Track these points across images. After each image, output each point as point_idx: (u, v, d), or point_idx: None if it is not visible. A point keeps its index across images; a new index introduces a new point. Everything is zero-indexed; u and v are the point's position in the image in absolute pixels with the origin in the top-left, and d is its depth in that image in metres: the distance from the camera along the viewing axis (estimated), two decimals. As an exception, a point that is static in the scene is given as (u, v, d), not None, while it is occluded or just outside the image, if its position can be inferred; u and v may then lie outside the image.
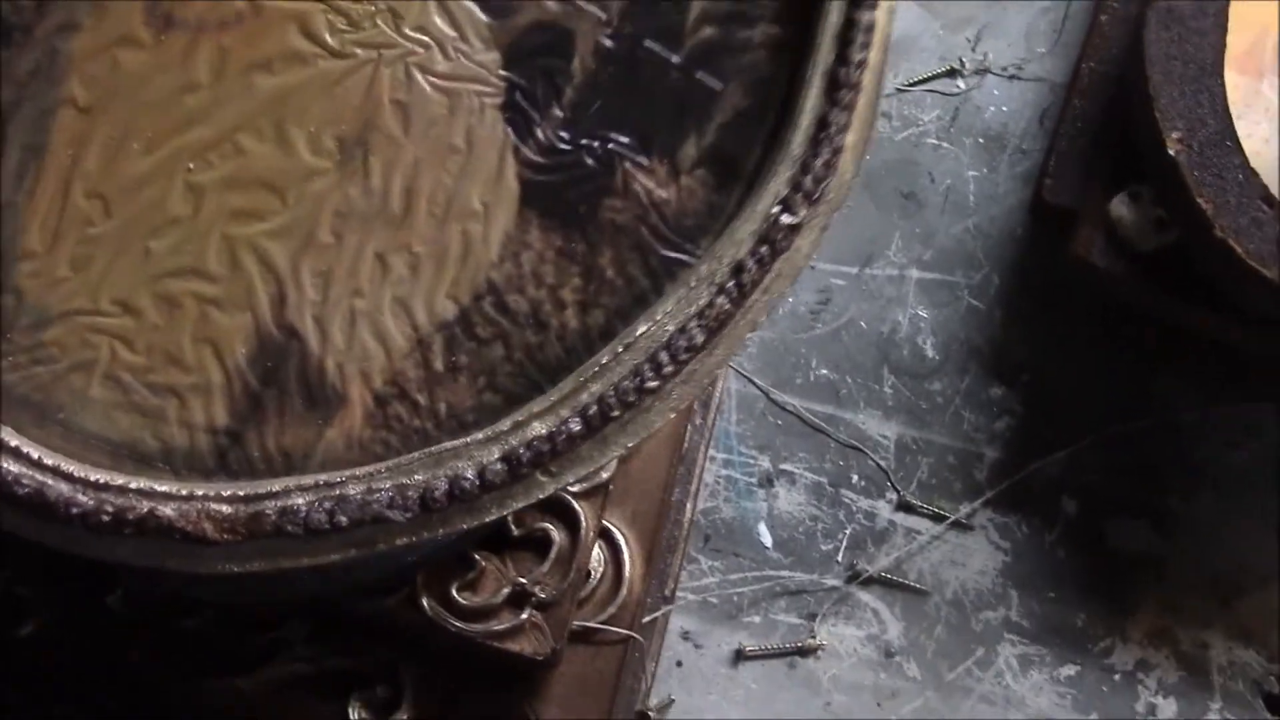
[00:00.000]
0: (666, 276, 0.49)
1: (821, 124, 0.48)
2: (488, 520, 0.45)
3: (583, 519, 0.63)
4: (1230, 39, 0.74)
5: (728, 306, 0.47)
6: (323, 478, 0.45)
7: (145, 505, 0.44)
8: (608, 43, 0.50)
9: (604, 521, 0.65)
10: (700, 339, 0.46)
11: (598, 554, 0.65)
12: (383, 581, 0.60)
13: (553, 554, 0.62)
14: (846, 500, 0.81)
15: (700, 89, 0.50)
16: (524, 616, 0.61)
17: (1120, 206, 0.74)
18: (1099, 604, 0.78)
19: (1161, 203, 0.73)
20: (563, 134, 0.50)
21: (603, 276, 0.49)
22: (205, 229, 0.48)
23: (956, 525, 0.80)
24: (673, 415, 0.47)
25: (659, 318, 0.46)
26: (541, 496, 0.45)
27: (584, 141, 0.50)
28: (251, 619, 0.64)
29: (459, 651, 0.62)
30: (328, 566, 0.46)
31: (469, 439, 0.45)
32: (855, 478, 0.82)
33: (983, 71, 0.92)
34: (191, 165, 0.49)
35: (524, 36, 0.49)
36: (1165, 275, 0.75)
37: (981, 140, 0.90)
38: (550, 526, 0.63)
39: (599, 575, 0.66)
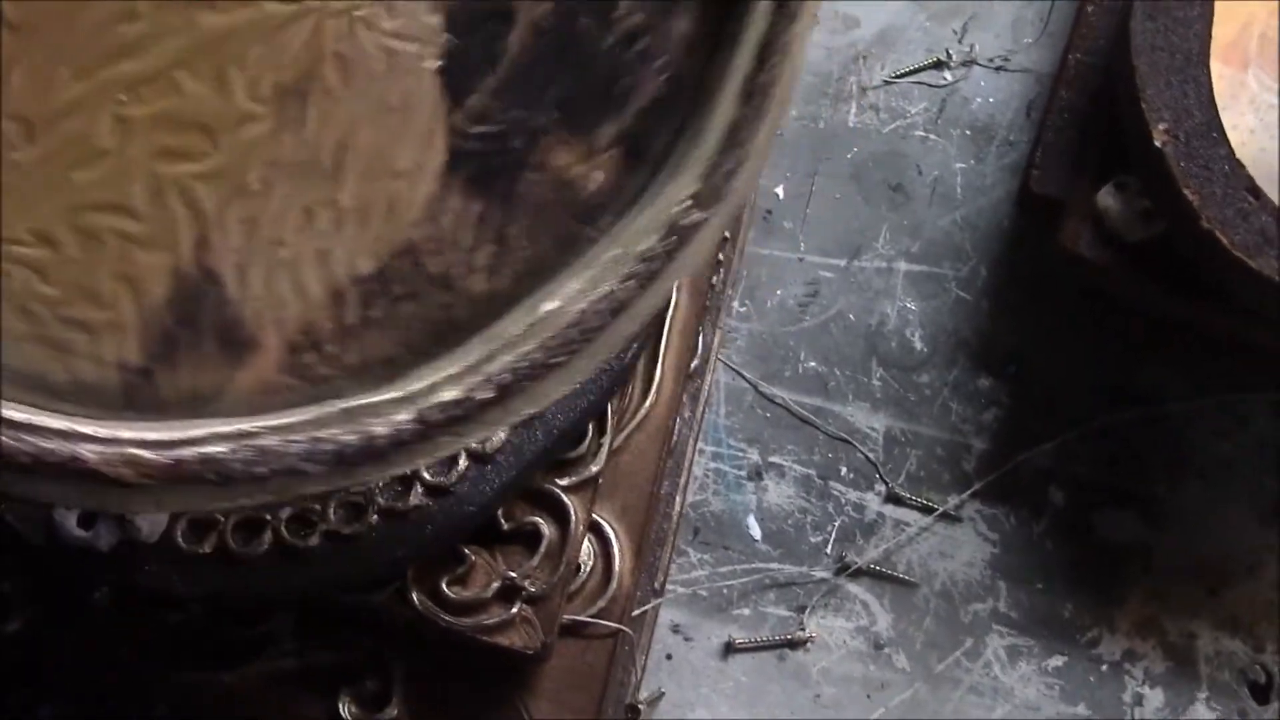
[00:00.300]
0: (571, 251, 0.50)
1: (734, 128, 0.49)
2: (393, 473, 0.47)
3: (572, 512, 0.63)
4: (1215, 30, 0.74)
5: (634, 290, 0.48)
6: (242, 425, 0.45)
7: (66, 449, 0.43)
8: (546, 19, 0.50)
9: (593, 515, 0.65)
10: (602, 323, 0.48)
11: (587, 548, 0.65)
12: (373, 577, 0.60)
13: (542, 548, 0.62)
14: (835, 493, 0.81)
15: (625, 73, 0.50)
16: (514, 611, 0.61)
17: (1107, 197, 0.74)
18: (1087, 594, 0.79)
19: (1148, 194, 0.73)
20: (494, 103, 0.50)
21: (512, 244, 0.49)
22: (132, 164, 0.47)
23: (945, 517, 0.80)
24: (568, 388, 0.48)
25: (568, 296, 0.48)
26: (446, 454, 0.48)
27: (513, 113, 0.50)
28: (237, 614, 0.64)
29: (449, 646, 0.62)
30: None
31: (383, 397, 0.46)
32: (844, 470, 0.82)
33: (969, 63, 0.92)
34: (123, 97, 0.48)
35: (468, 3, 0.49)
36: (1152, 266, 0.75)
37: (969, 132, 0.90)
38: (540, 520, 0.62)
39: (588, 569, 0.65)
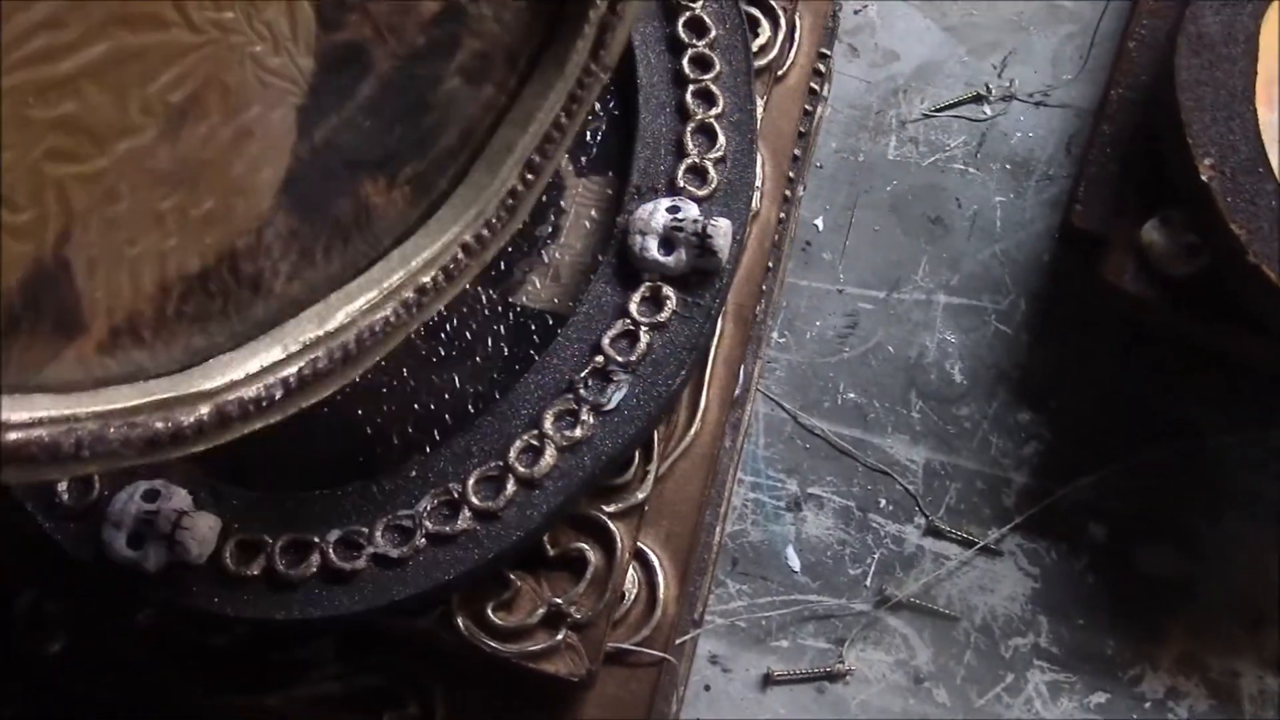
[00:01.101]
0: (354, 269, 0.58)
1: (513, 194, 0.60)
2: (193, 450, 0.52)
3: (618, 539, 0.62)
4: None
5: (406, 317, 0.57)
6: (72, 410, 0.49)
7: None
8: (391, 72, 0.57)
9: (638, 543, 0.64)
10: (375, 340, 0.57)
11: (632, 575, 0.65)
12: (419, 601, 0.60)
13: (588, 574, 0.62)
14: (875, 525, 0.81)
15: (435, 127, 0.58)
16: (559, 637, 0.61)
17: (1152, 232, 0.74)
18: (1128, 630, 0.78)
19: (1193, 228, 0.73)
20: (332, 140, 0.56)
21: (313, 257, 0.57)
22: (24, 162, 0.49)
23: (985, 551, 0.80)
24: (344, 384, 0.56)
25: (352, 312, 0.56)
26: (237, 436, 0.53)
27: (345, 148, 0.56)
28: (281, 637, 0.64)
29: (493, 672, 0.62)
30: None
31: (190, 390, 0.52)
32: (883, 502, 0.81)
33: (1009, 98, 0.92)
34: (31, 100, 0.50)
35: (337, 50, 0.55)
36: (1195, 300, 0.75)
37: (1008, 166, 0.90)
38: (586, 547, 0.62)
39: (633, 597, 0.65)
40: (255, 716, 0.62)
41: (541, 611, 0.61)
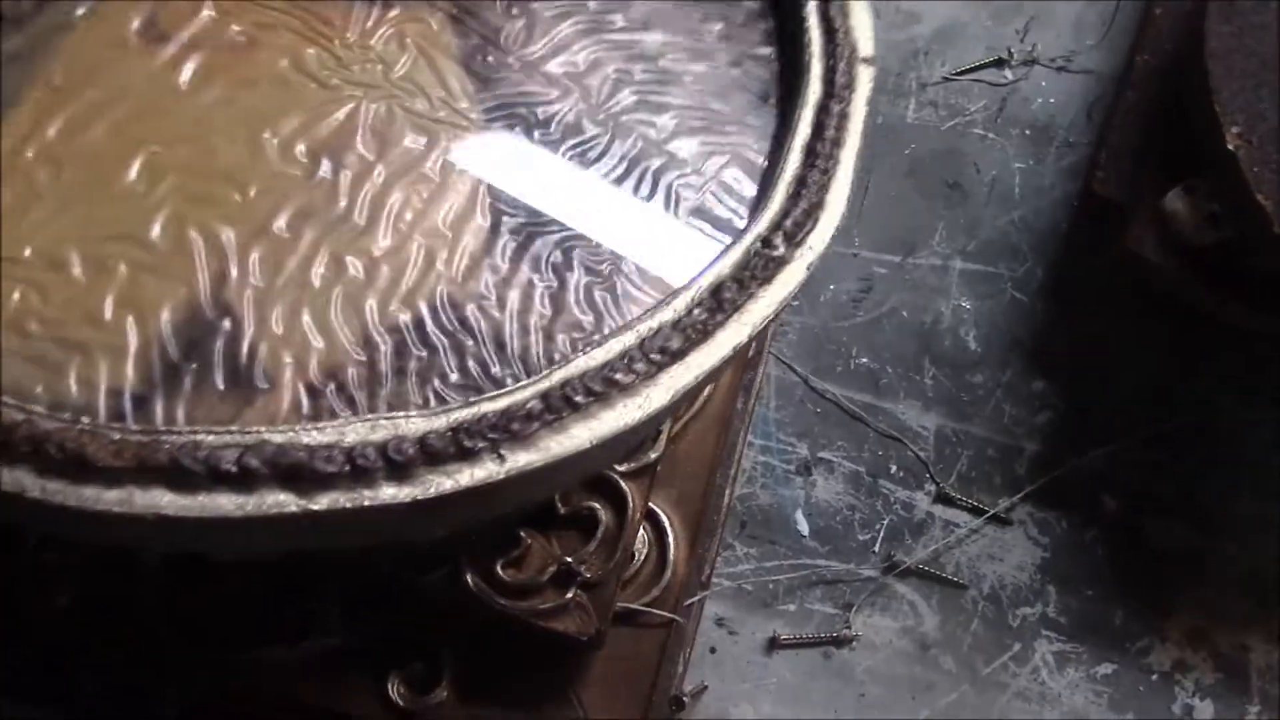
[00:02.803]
0: (630, 314, 0.50)
1: (800, 182, 0.52)
2: (418, 499, 0.42)
3: (630, 499, 0.62)
4: None
5: (704, 318, 0.48)
6: (236, 427, 0.42)
7: (18, 415, 0.41)
8: (589, 120, 0.53)
9: (649, 503, 0.64)
10: (675, 344, 0.47)
11: (642, 535, 0.64)
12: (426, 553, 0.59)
13: (599, 533, 0.61)
14: (885, 490, 0.80)
15: (674, 177, 0.54)
16: (569, 596, 0.60)
17: (1175, 201, 0.73)
18: (1137, 602, 0.78)
19: (1218, 198, 0.72)
20: (536, 185, 0.51)
21: (571, 309, 0.49)
22: (156, 205, 0.47)
23: (995, 519, 0.79)
24: (641, 416, 0.45)
25: (632, 323, 0.47)
26: (485, 482, 0.42)
27: (556, 195, 0.52)
28: (287, 586, 0.63)
29: (500, 631, 0.61)
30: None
31: (413, 413, 0.43)
32: (894, 468, 0.81)
33: (1030, 62, 0.91)
34: (157, 149, 0.49)
35: (507, 100, 0.52)
36: (1217, 271, 0.74)
37: (1028, 132, 0.89)
38: (597, 506, 0.62)
39: (642, 557, 0.65)
40: (261, 671, 0.62)
41: (551, 570, 0.60)
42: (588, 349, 0.46)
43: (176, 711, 0.62)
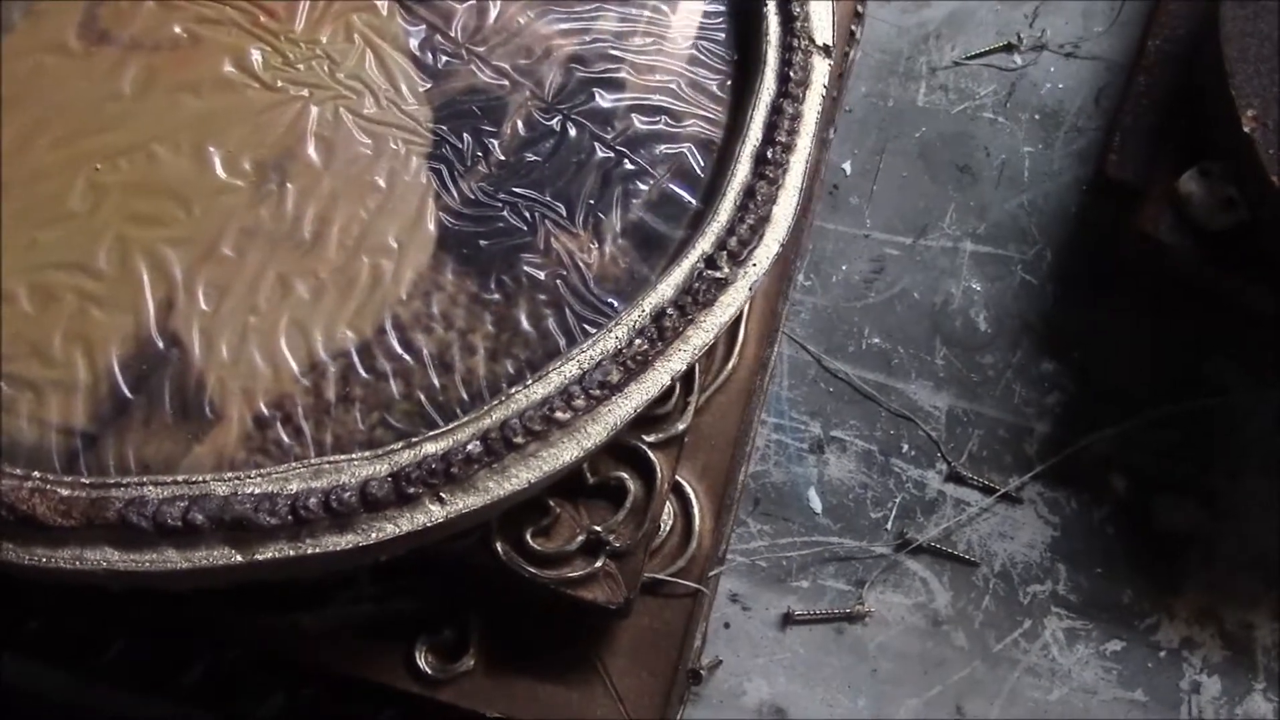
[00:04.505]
0: (581, 333, 0.50)
1: (748, 193, 0.51)
2: (360, 545, 0.43)
3: (658, 469, 0.62)
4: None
5: (645, 348, 0.48)
6: (183, 477, 0.42)
7: None
8: (539, 115, 0.52)
9: (675, 475, 0.64)
10: (615, 377, 0.47)
11: (667, 507, 0.65)
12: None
13: (628, 503, 0.61)
14: (896, 469, 0.81)
15: (627, 170, 0.53)
16: (598, 565, 0.60)
17: (1190, 183, 0.74)
18: (1146, 581, 0.78)
19: (1233, 180, 0.73)
20: (486, 188, 0.51)
21: (517, 327, 0.49)
22: (100, 228, 0.47)
23: (1006, 498, 0.80)
24: (578, 454, 0.46)
25: (574, 355, 0.47)
26: (425, 526, 0.44)
27: (506, 198, 0.51)
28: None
29: (528, 599, 0.61)
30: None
31: (354, 456, 0.44)
32: (906, 447, 0.81)
33: (1040, 48, 0.92)
34: (99, 166, 0.48)
35: (457, 97, 0.51)
36: (1230, 253, 0.75)
37: (1037, 116, 0.90)
38: (625, 476, 0.62)
39: (668, 528, 0.65)
40: (288, 635, 0.61)
41: (580, 539, 0.61)
42: (528, 384, 0.45)
43: (201, 674, 0.62)
